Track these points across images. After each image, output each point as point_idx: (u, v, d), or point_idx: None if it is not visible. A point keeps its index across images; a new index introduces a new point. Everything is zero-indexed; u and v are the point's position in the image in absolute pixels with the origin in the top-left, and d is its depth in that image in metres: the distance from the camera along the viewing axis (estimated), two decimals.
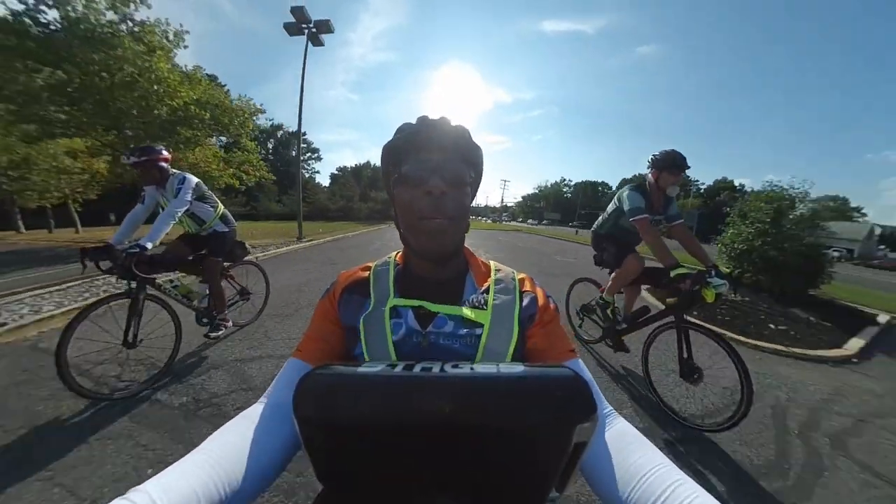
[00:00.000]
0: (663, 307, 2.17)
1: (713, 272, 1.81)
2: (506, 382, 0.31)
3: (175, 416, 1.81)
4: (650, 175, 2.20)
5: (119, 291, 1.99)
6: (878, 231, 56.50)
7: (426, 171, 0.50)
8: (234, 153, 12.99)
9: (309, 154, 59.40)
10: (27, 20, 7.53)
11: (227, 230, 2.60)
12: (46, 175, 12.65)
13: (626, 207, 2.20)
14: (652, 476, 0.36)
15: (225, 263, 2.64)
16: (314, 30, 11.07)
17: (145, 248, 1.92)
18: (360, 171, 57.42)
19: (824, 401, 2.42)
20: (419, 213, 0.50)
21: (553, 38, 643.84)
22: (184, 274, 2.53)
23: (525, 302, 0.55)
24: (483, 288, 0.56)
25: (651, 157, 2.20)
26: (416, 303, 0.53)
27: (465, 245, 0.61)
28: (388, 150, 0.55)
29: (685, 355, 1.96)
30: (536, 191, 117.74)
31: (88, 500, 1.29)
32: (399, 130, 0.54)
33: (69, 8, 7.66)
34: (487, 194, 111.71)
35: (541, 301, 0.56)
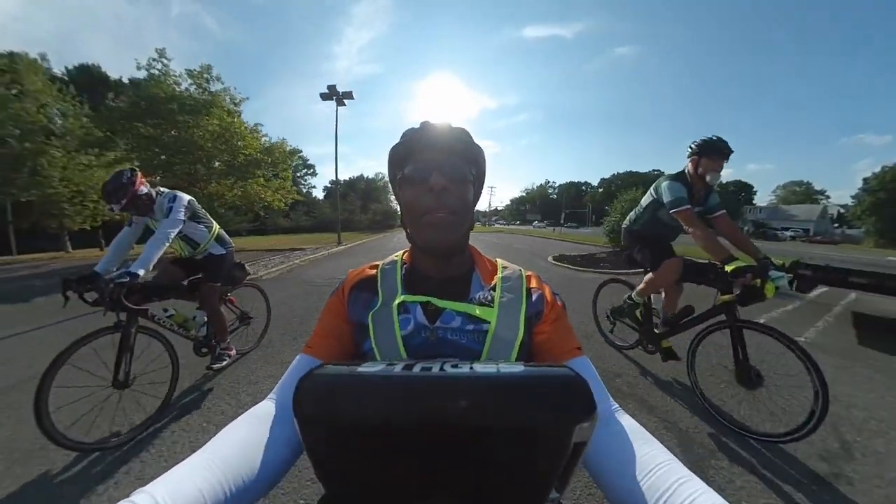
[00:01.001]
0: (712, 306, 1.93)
1: (771, 265, 1.65)
2: (505, 382, 0.31)
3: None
4: (689, 164, 2.06)
5: (107, 325, 1.73)
6: (832, 211, 61.80)
7: (428, 169, 0.52)
8: (271, 182, 16.55)
9: (305, 170, 62.54)
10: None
11: (224, 252, 2.37)
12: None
13: (665, 199, 2.03)
14: (657, 472, 0.36)
15: (224, 287, 2.42)
16: (341, 97, 16.64)
17: (136, 276, 1.72)
18: (354, 185, 60.37)
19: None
20: (422, 209, 0.52)
21: (534, 43, 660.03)
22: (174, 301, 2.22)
23: (532, 299, 0.56)
24: (490, 285, 0.57)
25: (690, 144, 2.05)
26: (423, 298, 0.54)
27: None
28: (393, 154, 0.57)
29: (741, 356, 1.78)
30: (523, 194, 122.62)
31: None
32: (403, 135, 0.56)
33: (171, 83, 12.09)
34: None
35: (548, 298, 0.57)
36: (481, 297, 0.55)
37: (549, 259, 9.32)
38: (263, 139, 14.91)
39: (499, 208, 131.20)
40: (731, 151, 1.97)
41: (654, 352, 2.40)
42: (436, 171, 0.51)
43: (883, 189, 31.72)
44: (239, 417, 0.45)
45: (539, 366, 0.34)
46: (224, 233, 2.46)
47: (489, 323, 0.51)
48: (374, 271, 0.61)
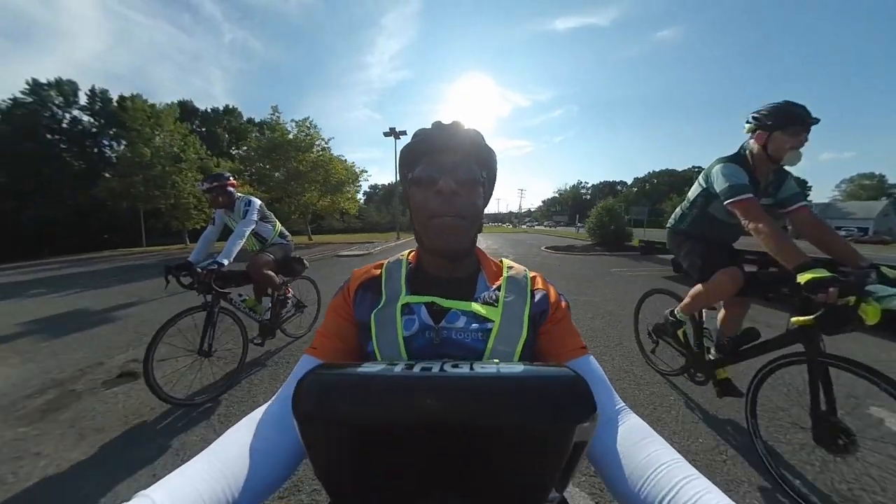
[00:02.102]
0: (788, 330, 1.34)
1: (873, 275, 1.08)
2: (506, 382, 0.31)
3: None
4: (752, 142, 1.50)
5: (195, 305, 2.11)
6: None
7: (437, 172, 0.52)
8: (340, 194, 22.98)
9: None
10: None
11: (285, 242, 2.83)
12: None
13: (719, 186, 1.50)
14: (663, 471, 0.36)
15: (285, 278, 2.78)
16: (398, 134, 21.99)
17: (222, 265, 2.10)
18: (394, 189, 65.85)
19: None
20: (430, 212, 0.52)
21: (566, 35, 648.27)
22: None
23: (536, 299, 0.56)
24: (495, 286, 0.57)
25: (753, 115, 1.48)
26: (427, 299, 0.54)
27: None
28: (404, 154, 0.57)
29: (823, 407, 1.21)
30: (556, 194, 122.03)
31: None
32: (414, 135, 0.57)
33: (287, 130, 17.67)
34: (507, 202, 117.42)
35: (552, 298, 0.57)
36: (486, 297, 0.55)
37: (542, 248, 13.11)
38: (344, 162, 22.08)
39: (531, 209, 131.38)
40: (816, 120, 1.36)
41: (703, 382, 1.86)
42: (445, 173, 0.51)
43: None
44: (242, 420, 0.44)
45: (539, 366, 0.35)
46: (285, 230, 2.89)
47: (493, 322, 0.51)
48: (378, 271, 0.61)
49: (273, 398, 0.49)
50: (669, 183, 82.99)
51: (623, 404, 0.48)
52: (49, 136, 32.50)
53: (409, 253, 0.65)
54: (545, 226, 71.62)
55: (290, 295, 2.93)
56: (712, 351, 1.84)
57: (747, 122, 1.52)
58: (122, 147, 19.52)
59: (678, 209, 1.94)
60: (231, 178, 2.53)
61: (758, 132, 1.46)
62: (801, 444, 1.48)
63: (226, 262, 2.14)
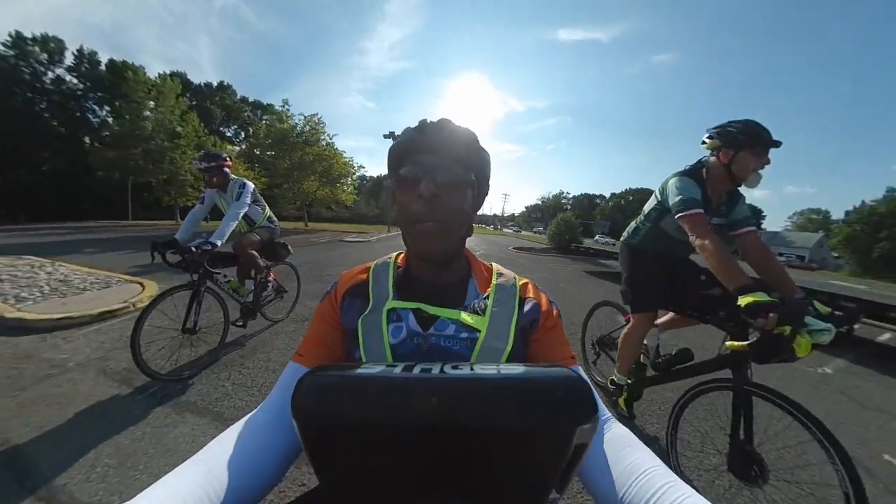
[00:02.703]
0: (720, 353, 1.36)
1: (810, 308, 1.08)
2: (506, 383, 0.31)
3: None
4: (713, 159, 1.45)
5: (183, 283, 2.14)
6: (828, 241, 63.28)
7: (420, 174, 0.50)
8: (339, 185, 24.95)
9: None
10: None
11: (274, 226, 2.93)
12: None
13: (671, 200, 1.46)
14: (646, 477, 0.37)
15: (268, 262, 2.85)
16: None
17: (215, 245, 2.12)
18: (382, 182, 66.70)
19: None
20: (412, 216, 0.51)
21: (568, 46, 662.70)
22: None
23: (526, 308, 0.56)
24: (485, 294, 0.57)
25: (717, 129, 1.42)
26: (414, 305, 0.53)
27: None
28: (391, 153, 0.56)
29: (742, 436, 1.21)
30: (539, 202, 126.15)
31: None
32: (402, 133, 0.55)
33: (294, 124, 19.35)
34: (491, 205, 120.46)
35: (543, 307, 0.57)
36: (475, 305, 0.55)
37: (510, 248, 16.06)
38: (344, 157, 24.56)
39: (515, 214, 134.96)
40: (778, 143, 1.32)
41: (638, 398, 1.88)
42: (428, 176, 0.49)
43: (860, 223, 33.48)
44: (230, 427, 0.44)
45: (540, 366, 0.35)
46: (272, 214, 3.00)
47: (479, 332, 0.51)
48: (365, 276, 0.60)
49: (259, 407, 0.48)
50: (641, 200, 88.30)
51: (608, 413, 0.49)
52: (30, 94, 31.41)
53: (398, 255, 0.64)
54: (534, 232, 74.31)
55: (271, 279, 2.97)
56: (647, 370, 1.87)
57: (710, 136, 1.44)
58: (122, 118, 19.44)
59: (633, 223, 1.90)
60: (227, 160, 2.54)
61: (722, 150, 1.39)
62: (714, 468, 1.45)
63: (219, 242, 2.16)
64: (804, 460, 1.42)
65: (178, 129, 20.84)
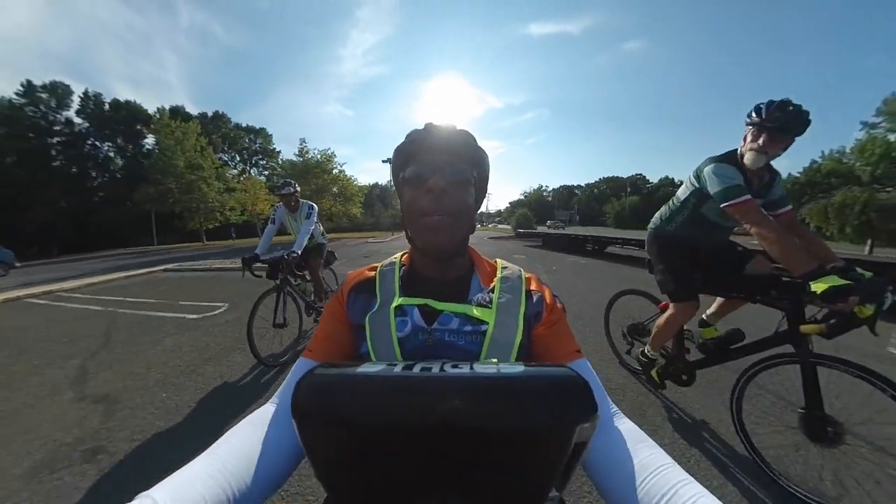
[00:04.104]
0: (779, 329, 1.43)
1: (889, 286, 1.11)
2: (506, 382, 0.31)
3: None
4: (749, 137, 1.41)
5: (271, 287, 2.74)
6: None
7: (428, 171, 0.53)
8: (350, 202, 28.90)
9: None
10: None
11: (324, 242, 3.47)
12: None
13: (713, 188, 1.43)
14: (657, 475, 0.37)
15: (323, 266, 3.45)
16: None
17: (298, 253, 2.72)
18: (370, 192, 70.55)
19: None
20: (420, 211, 0.53)
21: (540, 40, 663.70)
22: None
23: (531, 301, 0.56)
24: (489, 287, 0.57)
25: (755, 109, 1.38)
26: (420, 301, 0.55)
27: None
28: (397, 154, 0.58)
29: (811, 403, 1.30)
30: (522, 197, 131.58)
31: None
32: (407, 136, 0.58)
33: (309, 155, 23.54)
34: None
35: (548, 300, 0.58)
36: (480, 298, 0.56)
37: (486, 238, 20.74)
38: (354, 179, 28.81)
39: (500, 211, 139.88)
40: (802, 131, 1.33)
41: (687, 382, 1.84)
42: (436, 173, 0.52)
43: (807, 183, 29.35)
44: (242, 421, 0.45)
45: (539, 366, 0.35)
46: (323, 229, 3.60)
47: (487, 324, 0.52)
48: (372, 273, 0.61)
49: (272, 399, 0.50)
50: (612, 188, 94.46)
51: (616, 408, 0.49)
52: (42, 137, 34.18)
53: (402, 255, 0.65)
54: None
55: (327, 289, 3.55)
56: (691, 352, 1.87)
57: (754, 113, 1.38)
58: (156, 158, 23.27)
59: (664, 208, 1.82)
60: (297, 188, 3.21)
61: (753, 128, 1.38)
62: (790, 442, 1.50)
63: (299, 251, 2.76)
64: (883, 418, 1.29)
65: (201, 162, 24.62)
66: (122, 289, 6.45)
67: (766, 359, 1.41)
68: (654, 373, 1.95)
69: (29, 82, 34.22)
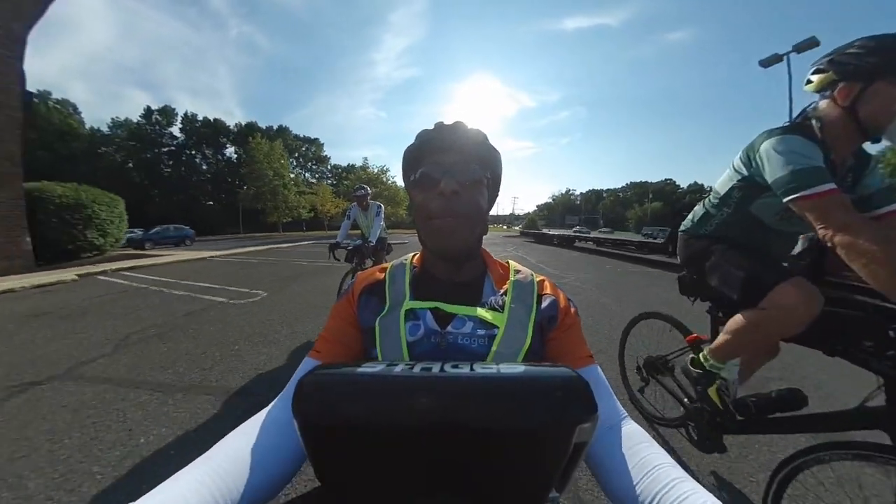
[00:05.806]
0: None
1: None
2: (506, 382, 0.31)
3: None
4: (823, 104, 0.93)
5: (349, 269, 3.53)
6: None
7: (439, 172, 0.52)
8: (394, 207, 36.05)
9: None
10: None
11: (386, 236, 3.92)
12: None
13: (773, 173, 0.93)
14: (656, 472, 0.38)
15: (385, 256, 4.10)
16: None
17: (373, 242, 3.43)
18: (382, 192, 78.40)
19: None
20: (431, 213, 0.52)
21: (576, 35, 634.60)
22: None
23: (544, 305, 0.56)
24: (502, 290, 0.57)
25: (829, 57, 0.90)
26: (431, 304, 0.54)
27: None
28: (407, 155, 0.58)
29: None
30: (551, 200, 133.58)
31: None
32: (417, 136, 0.57)
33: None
34: (504, 206, 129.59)
35: (562, 304, 0.57)
36: (493, 301, 0.55)
37: (502, 236, 26.41)
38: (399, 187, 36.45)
39: (529, 213, 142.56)
40: None
41: (707, 448, 1.27)
42: (447, 174, 0.52)
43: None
44: (241, 425, 0.44)
45: (539, 366, 0.35)
46: (384, 225, 4.05)
47: (498, 328, 0.51)
48: (382, 275, 0.61)
49: (274, 401, 0.48)
50: (637, 193, 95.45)
51: (625, 413, 0.49)
52: (155, 150, 43.87)
53: (414, 256, 0.65)
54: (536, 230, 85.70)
55: None
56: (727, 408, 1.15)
57: (818, 69, 0.91)
58: (252, 167, 31.96)
59: (697, 207, 1.32)
60: (369, 190, 3.86)
61: (842, 86, 0.86)
62: None
63: (374, 241, 3.46)
64: None
65: (284, 173, 32.73)
66: (278, 251, 11.97)
67: (838, 444, 0.84)
68: (712, 392, 1.17)
69: (148, 107, 44.22)
